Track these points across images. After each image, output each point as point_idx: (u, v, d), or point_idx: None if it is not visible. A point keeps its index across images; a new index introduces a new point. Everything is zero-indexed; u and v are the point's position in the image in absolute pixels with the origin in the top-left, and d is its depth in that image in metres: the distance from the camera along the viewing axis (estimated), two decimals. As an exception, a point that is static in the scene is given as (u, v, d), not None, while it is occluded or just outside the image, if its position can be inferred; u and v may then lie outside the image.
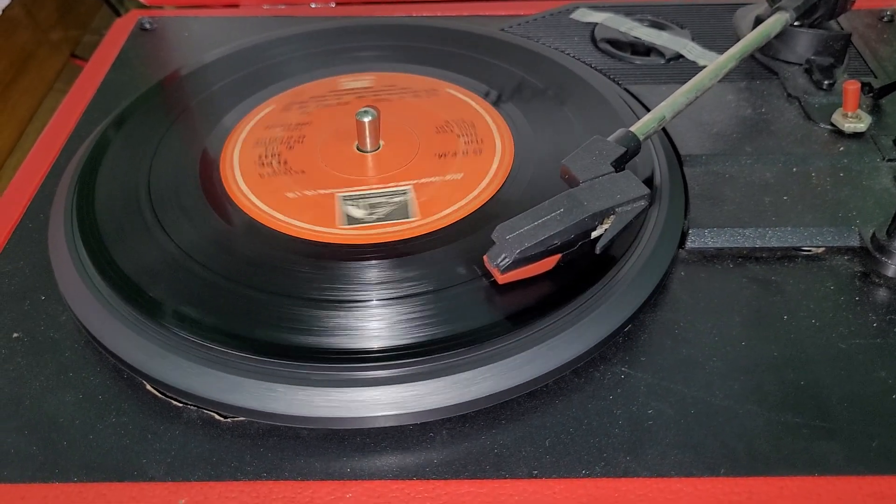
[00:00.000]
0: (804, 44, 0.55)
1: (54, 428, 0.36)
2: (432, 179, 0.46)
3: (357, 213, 0.43)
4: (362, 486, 0.33)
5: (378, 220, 0.43)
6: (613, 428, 0.35)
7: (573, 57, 0.58)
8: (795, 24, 0.55)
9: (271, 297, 0.39)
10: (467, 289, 0.39)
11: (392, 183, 0.46)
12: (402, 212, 0.43)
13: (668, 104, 0.45)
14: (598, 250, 0.39)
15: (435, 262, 0.40)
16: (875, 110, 0.51)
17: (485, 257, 0.38)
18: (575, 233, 0.37)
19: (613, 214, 0.38)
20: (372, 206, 0.43)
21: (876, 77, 0.55)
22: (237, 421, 0.36)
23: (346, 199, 0.44)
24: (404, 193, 0.44)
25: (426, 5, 0.67)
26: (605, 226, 0.38)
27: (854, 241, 0.43)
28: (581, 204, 0.37)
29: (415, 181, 0.46)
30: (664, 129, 0.50)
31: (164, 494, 0.33)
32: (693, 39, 0.60)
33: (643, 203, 0.38)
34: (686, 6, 0.64)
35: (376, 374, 0.36)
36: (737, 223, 0.44)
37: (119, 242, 0.42)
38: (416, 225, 0.43)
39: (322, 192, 0.45)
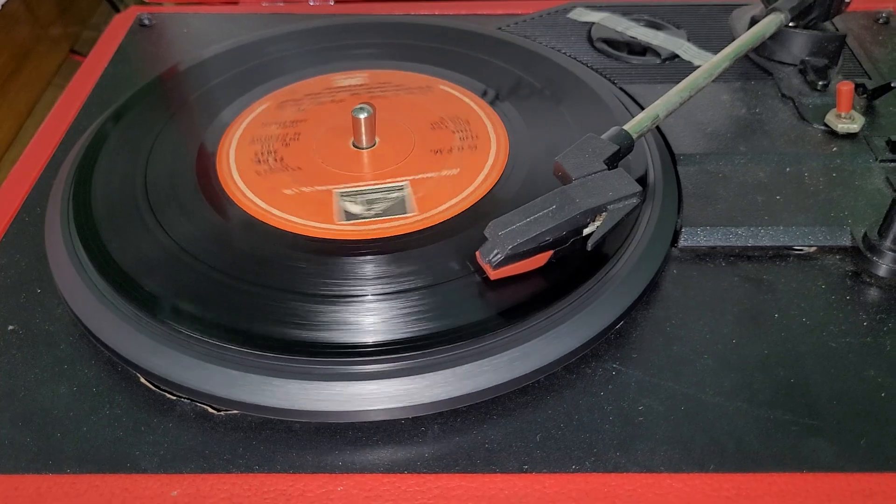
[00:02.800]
0: (799, 45, 0.55)
1: (48, 420, 0.36)
2: (429, 175, 0.46)
3: (355, 208, 0.43)
4: (353, 479, 0.34)
5: (376, 215, 0.43)
6: (604, 424, 0.36)
7: (569, 56, 0.58)
8: (790, 24, 0.55)
9: (265, 291, 0.39)
10: (460, 285, 0.39)
11: (389, 179, 0.46)
12: (399, 207, 0.44)
13: (662, 103, 0.45)
14: (589, 247, 0.39)
15: (428, 258, 0.41)
16: (868, 111, 0.52)
17: (477, 253, 0.38)
18: (567, 230, 0.38)
19: (605, 212, 0.38)
20: (369, 201, 0.44)
21: (870, 78, 0.55)
22: (230, 414, 0.36)
23: (343, 195, 0.44)
24: (401, 189, 0.45)
25: (425, 3, 0.68)
26: (597, 223, 0.39)
27: (846, 241, 0.43)
28: (573, 201, 0.38)
29: (411, 177, 0.46)
30: (658, 128, 0.50)
31: (156, 486, 0.33)
32: (689, 40, 0.60)
33: (635, 200, 0.38)
34: (682, 6, 0.64)
35: (369, 368, 0.36)
36: (730, 222, 0.44)
37: (115, 236, 0.42)
38: (413, 221, 0.43)
39: (319, 188, 0.45)
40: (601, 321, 0.38)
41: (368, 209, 0.43)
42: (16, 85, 0.74)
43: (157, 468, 0.34)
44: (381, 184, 0.46)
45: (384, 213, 0.43)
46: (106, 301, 0.39)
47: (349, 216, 0.43)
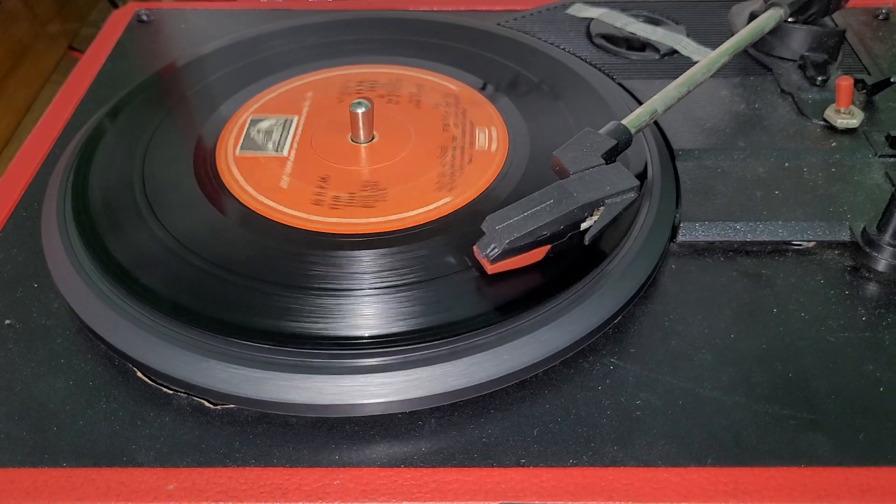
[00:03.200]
0: (798, 40, 0.55)
1: (45, 413, 0.36)
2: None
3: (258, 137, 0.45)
4: (350, 473, 0.34)
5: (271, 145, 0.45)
6: (601, 418, 0.36)
7: (568, 52, 0.58)
8: (790, 20, 0.55)
9: (262, 284, 0.39)
10: (458, 279, 0.39)
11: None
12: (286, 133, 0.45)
13: (660, 98, 0.45)
14: (586, 241, 0.39)
15: (426, 252, 0.41)
16: (868, 107, 0.52)
17: (474, 247, 0.38)
18: (564, 224, 0.38)
19: (603, 206, 0.38)
20: (266, 132, 0.44)
21: (869, 74, 0.55)
22: (226, 408, 0.36)
23: (252, 122, 0.45)
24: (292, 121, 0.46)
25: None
26: (595, 217, 0.38)
27: (844, 236, 0.43)
28: (571, 195, 0.38)
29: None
30: (657, 124, 0.50)
31: (153, 480, 0.33)
32: (688, 35, 0.60)
33: (632, 195, 0.38)
34: (681, 2, 0.64)
35: (366, 362, 0.36)
36: (728, 217, 0.44)
37: (111, 230, 0.42)
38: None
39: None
40: (599, 316, 0.38)
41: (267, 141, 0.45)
42: (14, 81, 0.74)
43: (153, 462, 0.34)
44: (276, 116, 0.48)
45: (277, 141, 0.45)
46: (103, 295, 0.39)
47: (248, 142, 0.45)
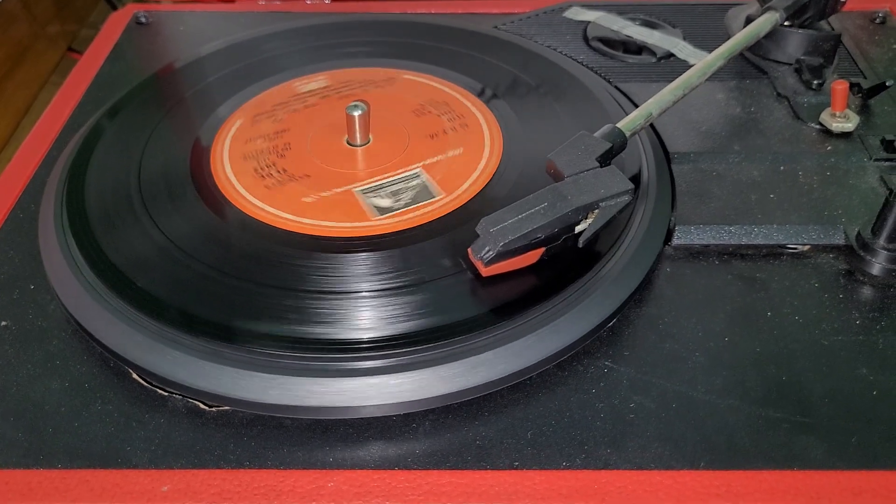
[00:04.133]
0: (794, 44, 0.55)
1: (40, 415, 0.36)
2: (437, 158, 0.46)
3: (383, 203, 0.43)
4: (344, 475, 0.34)
5: (406, 205, 0.43)
6: (595, 421, 0.36)
7: (565, 55, 0.58)
8: (786, 23, 0.55)
9: (256, 287, 0.39)
10: (452, 281, 0.39)
11: (402, 169, 0.46)
12: (424, 193, 0.44)
13: (656, 101, 0.45)
14: (580, 244, 0.39)
15: (421, 254, 0.41)
16: (863, 110, 0.52)
17: (469, 250, 0.38)
18: (559, 227, 0.38)
19: (597, 209, 0.38)
20: (393, 193, 0.44)
21: (865, 78, 0.55)
22: (221, 410, 0.36)
23: (365, 192, 0.44)
24: (418, 176, 0.45)
25: (421, 2, 0.68)
26: (589, 220, 0.39)
27: (839, 240, 0.43)
28: (565, 198, 0.38)
29: (421, 163, 0.46)
30: (653, 127, 0.50)
31: (147, 482, 0.34)
32: (684, 39, 0.60)
33: (627, 198, 0.38)
34: (678, 6, 0.64)
35: (360, 364, 0.36)
36: (723, 220, 0.44)
37: (108, 232, 0.42)
38: (407, 217, 0.43)
39: (337, 190, 0.45)
40: (594, 318, 0.38)
41: (396, 200, 0.43)
42: (13, 83, 0.74)
43: (147, 464, 0.34)
44: (396, 174, 0.46)
45: (413, 200, 0.43)
46: (99, 297, 0.39)
47: (381, 210, 0.43)
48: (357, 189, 0.45)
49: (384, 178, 0.45)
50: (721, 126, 0.51)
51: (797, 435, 0.35)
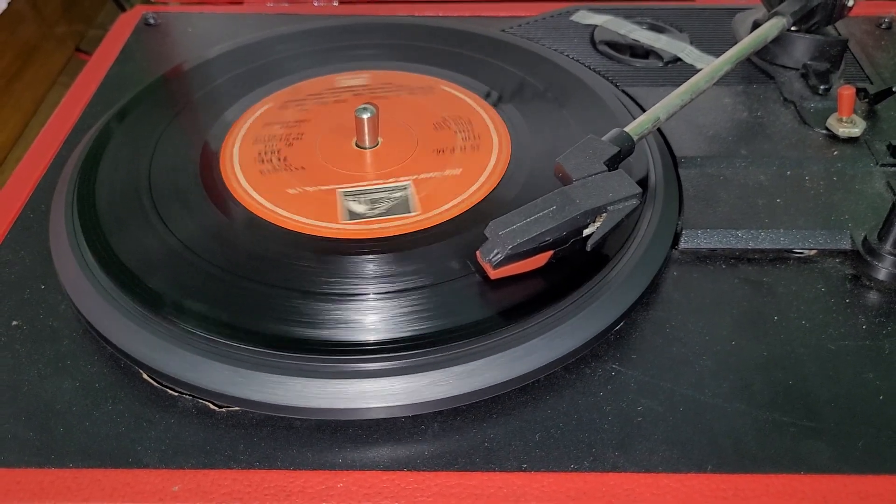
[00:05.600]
0: (801, 49, 0.56)
1: (51, 414, 0.36)
2: (431, 175, 0.46)
3: (358, 208, 0.43)
4: (353, 476, 0.34)
5: (379, 214, 0.43)
6: (603, 424, 0.36)
7: (572, 58, 0.59)
8: (793, 28, 0.55)
9: (267, 289, 0.39)
10: (461, 284, 0.39)
11: (392, 178, 0.46)
12: (402, 207, 0.44)
13: (663, 105, 0.45)
14: (589, 248, 0.39)
15: (429, 257, 0.41)
16: (870, 116, 0.52)
17: (477, 253, 0.38)
18: (567, 230, 0.38)
19: (605, 212, 0.38)
20: (373, 201, 0.44)
21: (872, 83, 0.55)
22: (231, 411, 0.37)
23: (347, 194, 0.44)
24: (404, 188, 0.45)
25: (429, 5, 0.68)
26: (597, 224, 0.39)
27: (846, 245, 0.44)
28: (573, 202, 0.38)
29: (414, 177, 0.46)
30: (660, 131, 0.50)
31: (157, 481, 0.34)
32: (691, 43, 0.60)
33: (634, 202, 0.39)
34: (685, 10, 0.65)
35: (370, 366, 0.36)
36: (730, 224, 0.44)
37: (118, 233, 0.43)
38: (416, 220, 0.43)
39: (323, 188, 0.46)
40: (601, 322, 0.39)
41: (372, 209, 0.43)
42: (21, 83, 0.75)
43: (158, 463, 0.34)
44: (385, 183, 0.46)
45: (387, 212, 0.44)
46: (109, 298, 0.39)
47: (353, 215, 0.43)
48: (341, 190, 0.45)
49: (372, 185, 0.46)
50: (728, 130, 0.51)
51: (804, 439, 0.35)
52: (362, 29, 0.61)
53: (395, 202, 0.44)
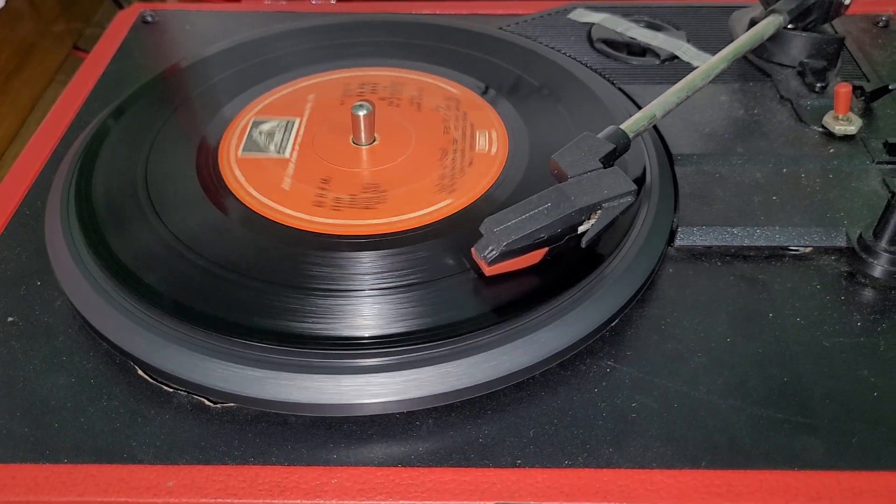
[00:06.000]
0: (798, 47, 0.56)
1: (46, 410, 0.36)
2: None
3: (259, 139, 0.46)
4: (347, 472, 0.34)
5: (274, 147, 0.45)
6: (597, 420, 0.36)
7: (569, 56, 0.59)
8: (789, 26, 0.55)
9: (262, 284, 0.39)
10: (456, 281, 0.39)
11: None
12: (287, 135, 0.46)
13: (659, 103, 0.45)
14: (583, 244, 0.39)
15: (426, 254, 0.41)
16: (866, 113, 0.52)
17: (472, 249, 0.38)
18: (562, 227, 0.38)
19: (600, 210, 0.38)
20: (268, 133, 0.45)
21: (869, 81, 0.55)
22: (226, 406, 0.37)
23: (254, 124, 0.46)
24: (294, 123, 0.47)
25: (426, 3, 0.68)
26: (592, 221, 0.39)
27: (841, 242, 0.44)
28: (568, 198, 0.38)
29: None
30: (656, 128, 0.50)
31: (152, 477, 0.34)
32: (688, 41, 0.60)
33: (630, 199, 0.39)
34: (682, 8, 0.65)
35: (364, 362, 0.36)
36: (726, 222, 0.44)
37: (114, 229, 0.43)
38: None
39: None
40: (596, 318, 0.39)
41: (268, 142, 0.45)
42: (19, 81, 0.75)
43: (153, 459, 0.34)
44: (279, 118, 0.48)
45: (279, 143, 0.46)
46: (105, 294, 0.39)
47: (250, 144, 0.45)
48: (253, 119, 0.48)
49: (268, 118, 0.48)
50: (724, 128, 0.51)
51: (798, 435, 0.35)
52: (359, 26, 0.61)
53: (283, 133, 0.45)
